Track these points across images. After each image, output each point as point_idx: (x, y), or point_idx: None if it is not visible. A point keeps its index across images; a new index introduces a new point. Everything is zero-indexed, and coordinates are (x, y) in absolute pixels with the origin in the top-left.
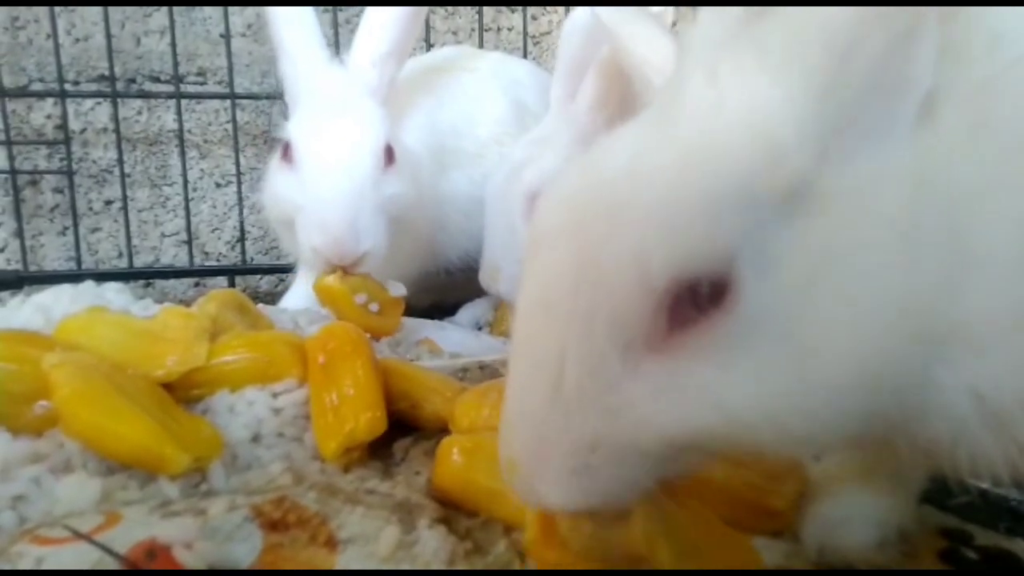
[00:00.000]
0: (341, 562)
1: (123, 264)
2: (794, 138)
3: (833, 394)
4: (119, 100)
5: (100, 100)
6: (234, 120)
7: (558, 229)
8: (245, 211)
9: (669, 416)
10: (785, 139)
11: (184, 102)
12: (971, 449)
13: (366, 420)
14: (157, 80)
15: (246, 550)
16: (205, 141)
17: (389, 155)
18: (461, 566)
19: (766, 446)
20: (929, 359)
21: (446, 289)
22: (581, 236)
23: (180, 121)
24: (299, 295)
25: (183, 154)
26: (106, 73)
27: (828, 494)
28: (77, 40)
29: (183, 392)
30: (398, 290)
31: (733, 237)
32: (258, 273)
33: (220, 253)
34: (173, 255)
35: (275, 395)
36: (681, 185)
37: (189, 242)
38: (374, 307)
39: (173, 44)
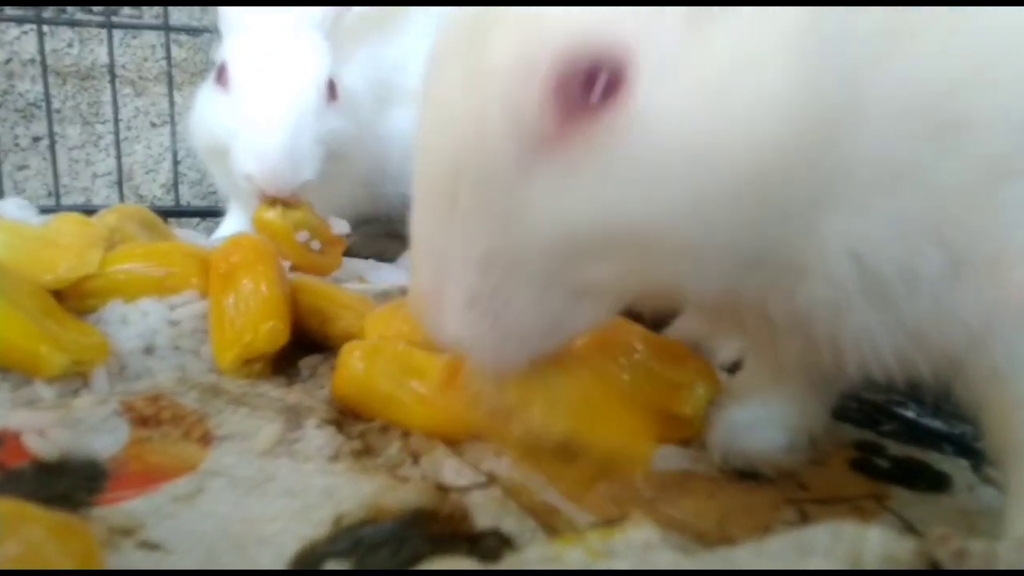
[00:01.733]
0: (214, 456)
1: (52, 203)
2: None
3: (723, 204)
4: (48, 30)
5: (27, 29)
6: (168, 54)
7: (450, 47)
8: (181, 153)
9: (560, 216)
10: None
11: (119, 36)
12: (854, 327)
13: (266, 330)
14: (90, 11)
15: (109, 442)
16: (140, 77)
17: (332, 90)
18: (346, 463)
19: (656, 259)
20: (815, 204)
21: (389, 241)
22: (470, 43)
23: (111, 53)
24: (230, 232)
25: (114, 90)
26: None
27: (737, 399)
28: None
29: (76, 301)
30: (341, 227)
31: (631, 28)
32: (192, 216)
33: (155, 196)
34: (105, 196)
35: (173, 307)
36: None
37: (120, 183)
38: (316, 245)
39: None
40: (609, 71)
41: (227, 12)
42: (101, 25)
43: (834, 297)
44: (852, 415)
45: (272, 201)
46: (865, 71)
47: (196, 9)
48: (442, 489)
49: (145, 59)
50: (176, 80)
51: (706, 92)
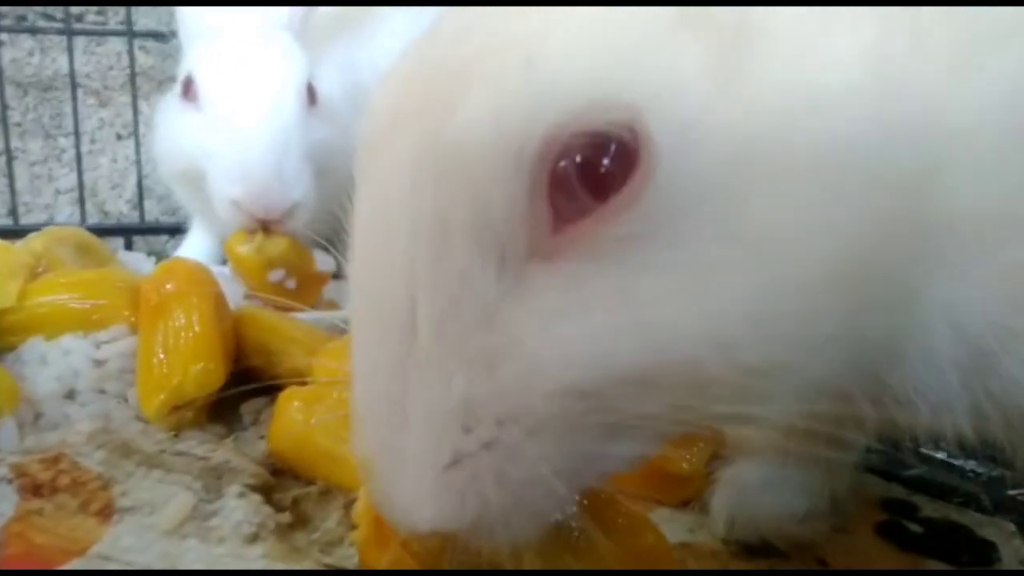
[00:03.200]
0: (113, 534)
1: (11, 223)
2: None
3: (797, 298)
4: (8, 38)
5: None
6: (132, 61)
7: (398, 111)
8: (148, 167)
9: (571, 349)
10: None
11: (83, 43)
12: (938, 397)
13: (196, 372)
14: (52, 19)
15: None
16: (105, 87)
17: (311, 94)
18: (270, 542)
19: (713, 389)
20: (911, 274)
21: None
22: (422, 118)
23: (71, 60)
24: (192, 253)
25: (75, 100)
26: None
27: (746, 454)
28: None
29: None
30: (326, 264)
31: (639, 85)
32: (158, 233)
33: (121, 212)
34: (69, 214)
35: (98, 344)
36: (556, 23)
37: (81, 199)
38: (291, 284)
39: None
40: (618, 145)
41: (186, 18)
42: (61, 32)
43: (934, 378)
44: (874, 459)
45: (250, 231)
46: (948, 97)
47: (163, 13)
48: None
49: (110, 67)
50: (143, 89)
51: (756, 153)
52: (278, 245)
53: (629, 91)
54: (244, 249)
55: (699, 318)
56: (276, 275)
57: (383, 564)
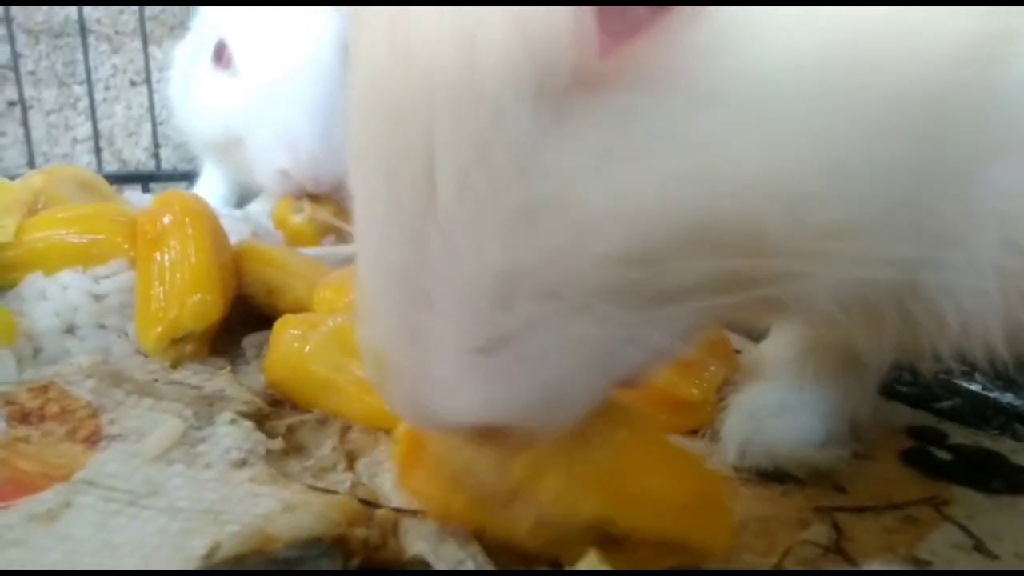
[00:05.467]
0: (98, 460)
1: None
2: None
3: (870, 149)
4: None
5: None
6: (141, 6)
7: None
8: (163, 114)
9: (630, 199)
10: None
11: None
12: (973, 305)
13: (194, 304)
14: None
15: None
16: (117, 32)
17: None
18: (254, 471)
19: (781, 244)
20: (974, 149)
21: None
22: None
23: (80, 6)
24: (204, 196)
25: (85, 47)
26: None
27: (760, 378)
28: None
29: None
30: None
31: None
32: (176, 180)
33: (139, 160)
34: (87, 162)
35: (97, 279)
36: None
37: (96, 147)
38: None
39: None
40: None
41: None
42: None
43: (973, 278)
44: (905, 390)
45: (297, 199)
46: None
47: None
48: (369, 504)
49: (121, 12)
50: (155, 34)
51: None
52: (327, 210)
53: None
54: (298, 219)
55: (760, 168)
56: (328, 241)
57: (410, 486)
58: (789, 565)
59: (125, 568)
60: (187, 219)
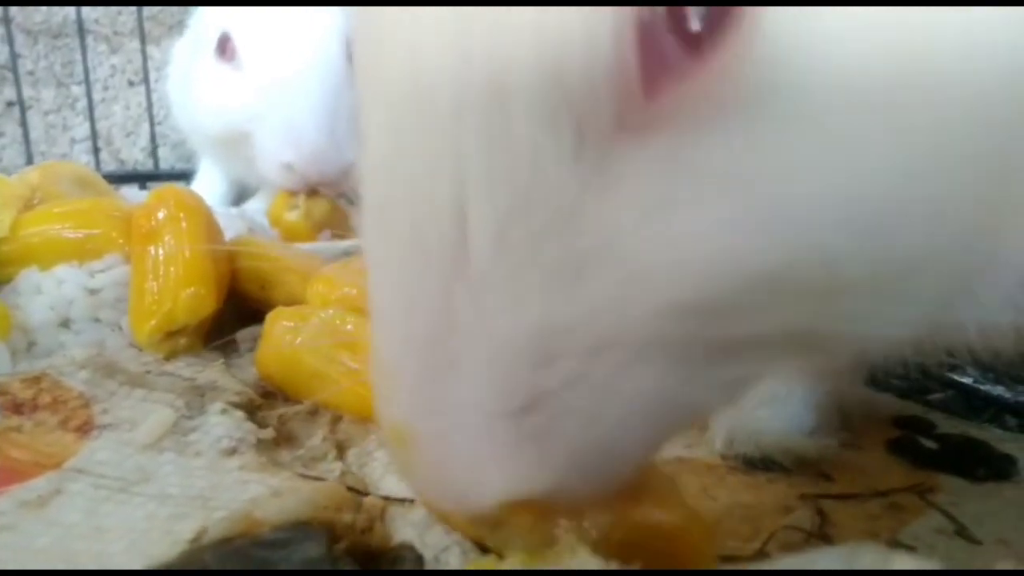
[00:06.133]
0: (89, 449)
1: None
2: None
3: (937, 179)
4: None
5: None
6: (139, 6)
7: None
8: (161, 113)
9: (685, 248)
10: None
11: None
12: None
13: (187, 297)
14: None
15: None
16: (115, 33)
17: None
18: (249, 455)
19: (845, 297)
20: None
21: None
22: None
23: (78, 7)
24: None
25: (83, 47)
26: None
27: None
28: None
29: None
30: None
31: None
32: (174, 179)
33: (137, 160)
34: (85, 163)
35: (92, 273)
36: None
37: (95, 147)
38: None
39: None
40: None
41: None
42: None
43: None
44: (895, 382)
45: (293, 195)
46: None
47: None
48: (357, 492)
49: (119, 12)
50: (152, 34)
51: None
52: (322, 207)
53: None
54: (292, 216)
55: (832, 200)
56: (324, 236)
57: None
58: (772, 550)
59: (113, 552)
60: (181, 214)
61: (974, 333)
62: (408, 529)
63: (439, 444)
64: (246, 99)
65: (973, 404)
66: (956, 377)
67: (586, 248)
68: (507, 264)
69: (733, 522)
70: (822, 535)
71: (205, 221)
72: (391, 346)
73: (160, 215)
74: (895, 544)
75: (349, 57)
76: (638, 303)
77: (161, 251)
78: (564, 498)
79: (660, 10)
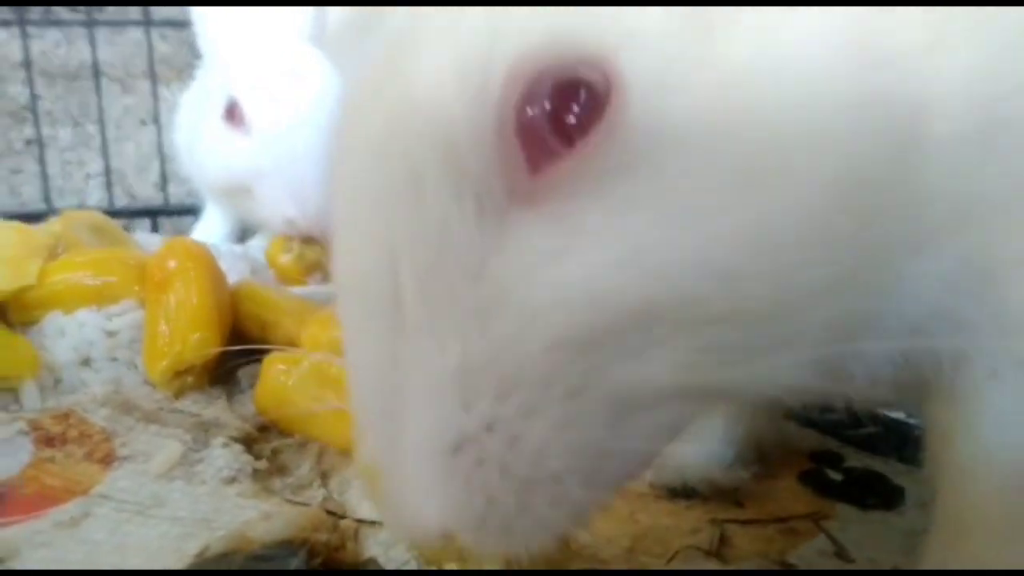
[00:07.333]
0: (112, 478)
1: (44, 207)
2: None
3: (799, 222)
4: (37, 31)
5: (15, 31)
6: (150, 50)
7: (367, 80)
8: (171, 151)
9: (566, 290)
10: None
11: (105, 34)
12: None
13: (194, 341)
14: (75, 10)
15: (10, 463)
16: (128, 75)
17: None
18: (242, 487)
19: (725, 330)
20: (894, 245)
21: None
22: (394, 67)
23: (94, 51)
24: (207, 232)
25: (99, 88)
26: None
27: None
28: None
29: (18, 314)
30: None
31: (607, 30)
32: (183, 214)
33: (149, 196)
34: (99, 198)
35: (110, 317)
36: None
37: (108, 183)
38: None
39: None
40: (588, 88)
41: (210, 34)
42: (84, 24)
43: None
44: (826, 417)
45: (289, 240)
46: (924, 74)
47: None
48: (335, 515)
49: (132, 56)
50: (163, 76)
51: (734, 96)
52: (315, 252)
53: (598, 29)
54: (286, 259)
55: (694, 247)
56: (314, 279)
57: None
58: (675, 566)
59: (133, 565)
60: (190, 264)
61: (860, 383)
62: (375, 547)
63: (394, 477)
64: (251, 158)
65: (897, 440)
66: (887, 413)
67: (490, 296)
68: (430, 313)
69: (648, 542)
70: (717, 554)
71: (211, 270)
72: (358, 390)
73: (171, 265)
74: (781, 564)
75: None
76: (533, 340)
77: (172, 298)
78: (491, 542)
79: (540, 110)
